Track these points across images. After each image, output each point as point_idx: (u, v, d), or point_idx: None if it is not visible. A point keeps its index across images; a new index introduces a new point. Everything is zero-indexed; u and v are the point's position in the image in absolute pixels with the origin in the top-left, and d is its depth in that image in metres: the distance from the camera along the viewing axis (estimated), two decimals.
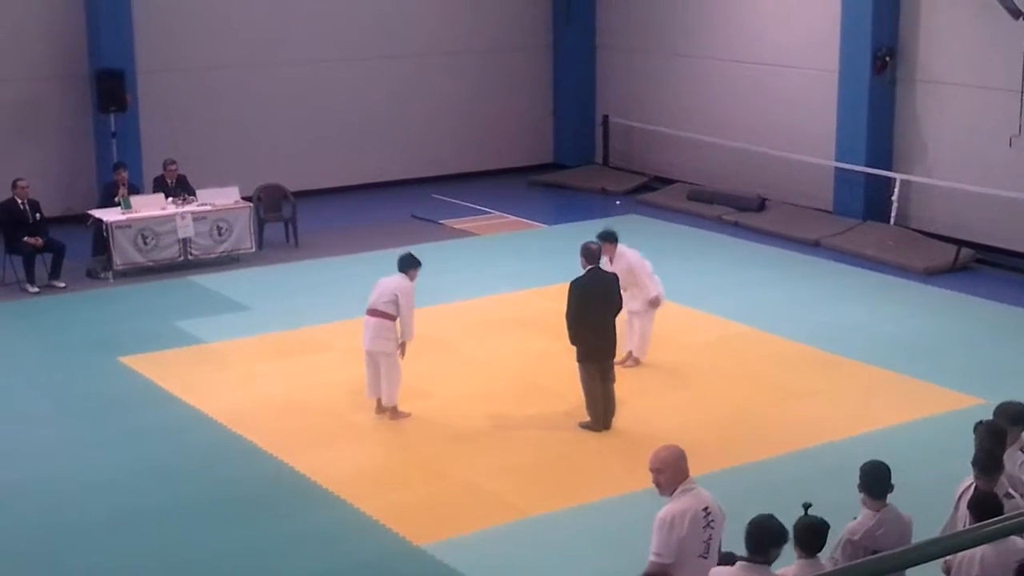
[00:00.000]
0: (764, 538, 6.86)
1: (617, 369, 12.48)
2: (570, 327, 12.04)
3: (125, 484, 11.17)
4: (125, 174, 17.97)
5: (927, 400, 12.73)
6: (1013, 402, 8.58)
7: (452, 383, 13.24)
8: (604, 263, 12.54)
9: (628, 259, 13.21)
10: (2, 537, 10.30)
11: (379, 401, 12.48)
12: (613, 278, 12.31)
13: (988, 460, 7.69)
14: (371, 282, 12.70)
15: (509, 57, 23.56)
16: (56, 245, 16.93)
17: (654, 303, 13.40)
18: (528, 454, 11.71)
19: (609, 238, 13.04)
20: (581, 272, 12.14)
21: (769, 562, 6.88)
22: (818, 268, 17.53)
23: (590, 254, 12.11)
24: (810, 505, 7.13)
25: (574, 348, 12.10)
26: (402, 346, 12.41)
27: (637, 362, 13.56)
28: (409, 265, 12.46)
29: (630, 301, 13.16)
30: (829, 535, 7.16)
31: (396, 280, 12.40)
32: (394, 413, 12.44)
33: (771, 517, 6.94)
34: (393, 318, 12.33)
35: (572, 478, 11.25)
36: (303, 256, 18.19)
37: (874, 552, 7.06)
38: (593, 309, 11.97)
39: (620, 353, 12.94)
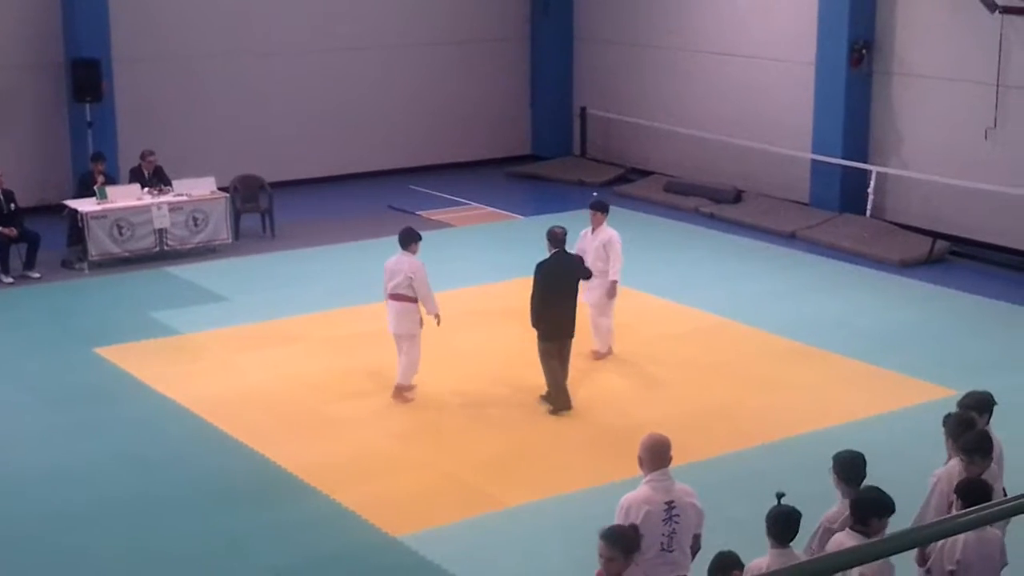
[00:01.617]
0: (788, 526, 7.03)
1: (596, 362, 12.80)
2: (533, 308, 12.36)
3: (101, 475, 11.13)
4: (102, 166, 17.88)
5: (901, 392, 12.78)
6: (977, 391, 8.64)
7: (429, 374, 13.22)
8: (584, 234, 13.22)
9: (609, 234, 13.44)
10: None
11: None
12: (577, 261, 12.63)
13: (980, 445, 7.72)
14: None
15: (487, 48, 23.53)
16: (31, 235, 16.85)
17: (611, 292, 13.41)
18: (505, 445, 11.72)
19: (601, 207, 13.52)
20: (547, 256, 12.43)
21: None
22: (794, 260, 17.59)
23: (555, 238, 12.44)
24: (783, 495, 7.17)
25: (536, 323, 12.35)
26: (436, 318, 12.54)
27: (610, 350, 13.68)
28: (410, 240, 12.65)
29: (588, 293, 13.22)
30: (806, 526, 7.20)
31: (405, 260, 12.53)
32: (398, 392, 12.57)
33: (792, 507, 7.10)
34: (414, 300, 12.49)
35: (549, 469, 11.27)
36: (280, 247, 18.15)
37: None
38: (556, 291, 12.27)
39: (598, 344, 13.24)
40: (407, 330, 12.55)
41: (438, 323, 12.63)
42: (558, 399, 12.33)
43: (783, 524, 7.08)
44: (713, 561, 7.15)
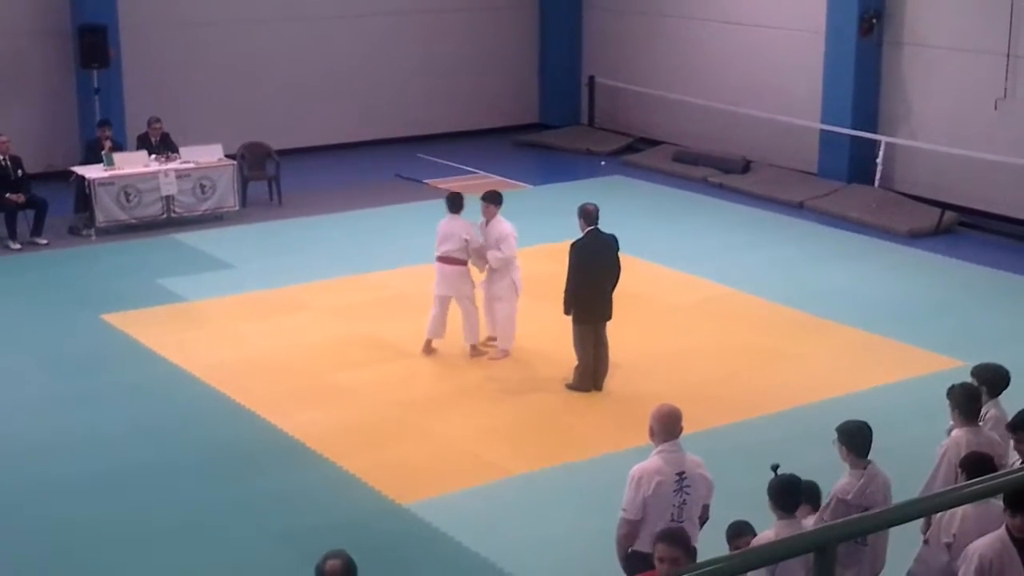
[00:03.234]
0: (791, 495, 7.03)
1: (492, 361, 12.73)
2: (568, 289, 11.94)
3: (107, 442, 11.15)
4: (110, 132, 17.86)
5: (908, 362, 12.77)
6: (990, 364, 8.63)
7: (436, 343, 13.22)
8: (479, 223, 12.71)
9: (506, 231, 12.64)
10: None
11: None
12: (612, 239, 12.09)
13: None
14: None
15: (495, 16, 23.43)
16: (38, 202, 16.84)
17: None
18: (513, 414, 11.73)
19: (494, 199, 12.75)
20: (580, 234, 12.00)
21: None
22: (802, 230, 17.54)
23: (588, 215, 11.94)
24: (778, 466, 7.19)
25: (569, 309, 11.99)
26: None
27: (506, 354, 12.83)
28: (458, 204, 12.84)
29: (492, 285, 12.78)
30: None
31: (459, 223, 12.67)
32: (476, 351, 12.87)
33: (793, 475, 7.09)
34: (465, 263, 12.64)
35: (556, 438, 11.28)
36: (287, 215, 18.13)
37: (865, 510, 7.11)
38: (593, 270, 11.90)
39: (483, 334, 12.92)
40: (462, 291, 12.74)
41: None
42: (583, 381, 12.03)
43: (785, 494, 7.08)
44: (729, 529, 7.18)
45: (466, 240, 12.55)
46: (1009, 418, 8.14)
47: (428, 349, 12.90)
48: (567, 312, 12.01)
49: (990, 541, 6.57)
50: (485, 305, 12.98)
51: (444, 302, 12.80)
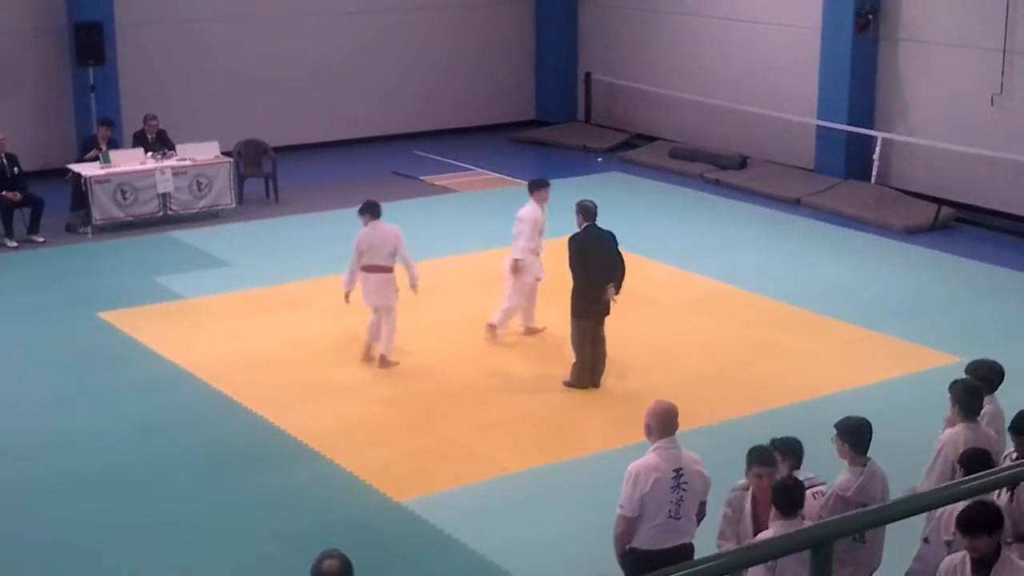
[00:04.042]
0: (792, 500, 7.07)
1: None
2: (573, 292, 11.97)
3: (104, 439, 11.15)
4: (109, 132, 17.83)
5: (906, 358, 12.78)
6: (985, 360, 8.62)
7: (434, 340, 13.23)
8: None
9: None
10: None
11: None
12: (610, 235, 12.09)
13: None
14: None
15: (491, 13, 23.42)
16: (34, 199, 16.82)
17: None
18: (509, 411, 11.72)
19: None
20: (577, 229, 12.03)
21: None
22: (799, 226, 17.55)
23: (586, 212, 11.96)
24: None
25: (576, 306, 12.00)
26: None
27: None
28: (373, 211, 12.49)
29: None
30: None
31: (383, 230, 12.43)
32: (385, 361, 12.57)
33: (796, 479, 7.19)
34: (391, 269, 12.41)
35: (554, 435, 11.28)
36: (283, 212, 18.12)
37: (863, 506, 7.11)
38: (590, 265, 11.88)
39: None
40: (390, 301, 12.48)
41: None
42: (580, 378, 12.00)
43: (787, 497, 7.06)
44: (750, 453, 7.46)
45: (395, 247, 12.30)
46: (1004, 414, 8.15)
47: (367, 356, 12.59)
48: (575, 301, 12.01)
49: (958, 557, 6.59)
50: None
51: (379, 311, 12.59)
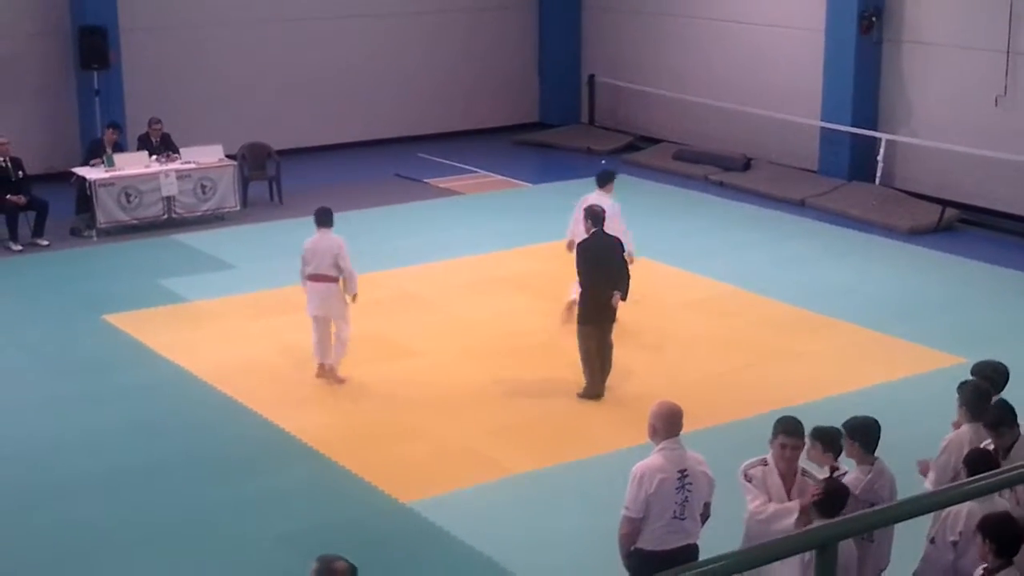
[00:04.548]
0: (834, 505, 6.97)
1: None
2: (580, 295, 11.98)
3: (108, 442, 11.15)
4: (115, 135, 17.84)
5: (910, 359, 12.76)
6: (990, 361, 8.61)
7: (437, 342, 13.23)
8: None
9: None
10: None
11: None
12: (616, 241, 12.07)
13: (1003, 417, 7.69)
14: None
15: (495, 15, 23.43)
16: (39, 203, 16.84)
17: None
18: (513, 413, 11.71)
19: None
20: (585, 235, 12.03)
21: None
22: (803, 228, 17.54)
23: (595, 217, 11.94)
24: None
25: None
26: (353, 298, 12.25)
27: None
28: (325, 219, 12.38)
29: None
30: None
31: (329, 240, 12.22)
32: (333, 372, 12.37)
33: (840, 482, 7.15)
34: (336, 279, 12.09)
35: (558, 436, 11.27)
36: (287, 215, 18.10)
37: (871, 505, 7.09)
38: (596, 271, 11.83)
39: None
40: (332, 312, 12.19)
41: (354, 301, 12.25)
42: (591, 388, 11.90)
43: (828, 503, 6.99)
44: (778, 423, 7.48)
45: (336, 256, 12.06)
46: None
47: (321, 372, 12.34)
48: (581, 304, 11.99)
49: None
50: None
51: (320, 323, 12.20)
